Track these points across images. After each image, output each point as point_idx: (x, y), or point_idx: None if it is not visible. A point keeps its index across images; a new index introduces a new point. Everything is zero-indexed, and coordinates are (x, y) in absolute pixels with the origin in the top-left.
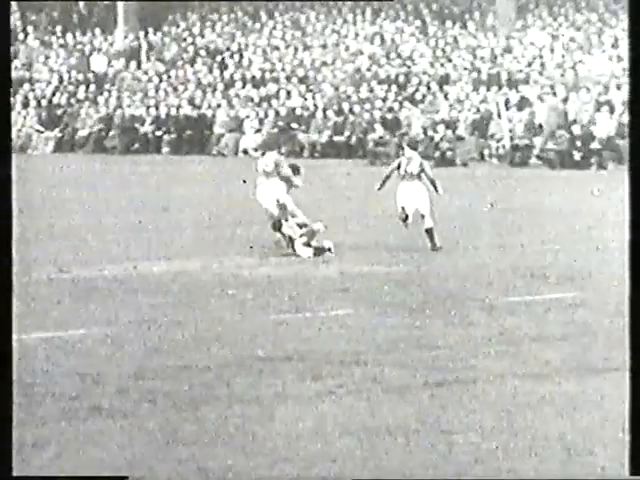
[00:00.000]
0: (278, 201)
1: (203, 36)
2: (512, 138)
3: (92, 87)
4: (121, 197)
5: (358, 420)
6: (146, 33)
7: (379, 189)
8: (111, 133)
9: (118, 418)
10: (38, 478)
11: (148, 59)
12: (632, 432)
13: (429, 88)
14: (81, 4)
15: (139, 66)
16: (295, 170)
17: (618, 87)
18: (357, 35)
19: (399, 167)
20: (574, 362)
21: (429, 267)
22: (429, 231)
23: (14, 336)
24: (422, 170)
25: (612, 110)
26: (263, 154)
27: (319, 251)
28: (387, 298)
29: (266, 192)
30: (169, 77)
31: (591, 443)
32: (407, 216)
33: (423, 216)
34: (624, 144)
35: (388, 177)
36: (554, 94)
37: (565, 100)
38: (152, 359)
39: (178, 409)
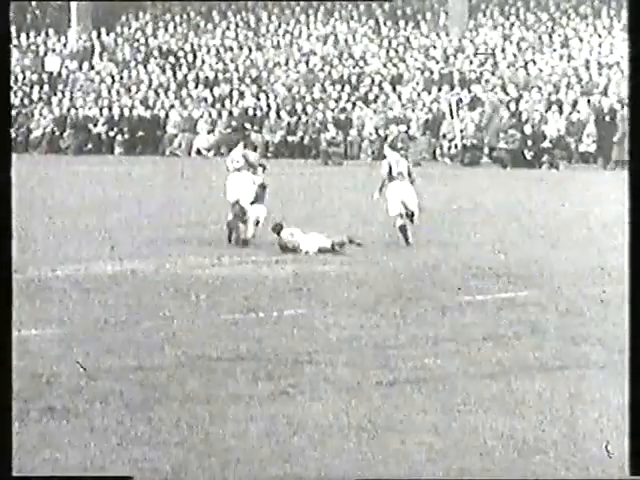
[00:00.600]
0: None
1: (156, 37)
2: (464, 137)
3: (46, 88)
4: (74, 197)
5: (311, 420)
6: (99, 34)
7: (380, 194)
8: (65, 133)
9: (71, 418)
10: (38, 478)
11: (101, 60)
12: (632, 432)
13: (382, 88)
14: (34, 4)
15: (92, 67)
16: (262, 167)
17: (568, 86)
18: (310, 36)
19: (390, 169)
20: (525, 361)
21: (382, 267)
22: (403, 228)
23: None
24: (408, 170)
25: (562, 109)
26: (229, 151)
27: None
28: (340, 298)
29: (237, 186)
30: (122, 78)
31: (542, 442)
32: (411, 213)
33: (413, 214)
34: (574, 143)
35: (385, 180)
36: (506, 93)
37: (516, 99)
38: (105, 359)
39: (131, 409)
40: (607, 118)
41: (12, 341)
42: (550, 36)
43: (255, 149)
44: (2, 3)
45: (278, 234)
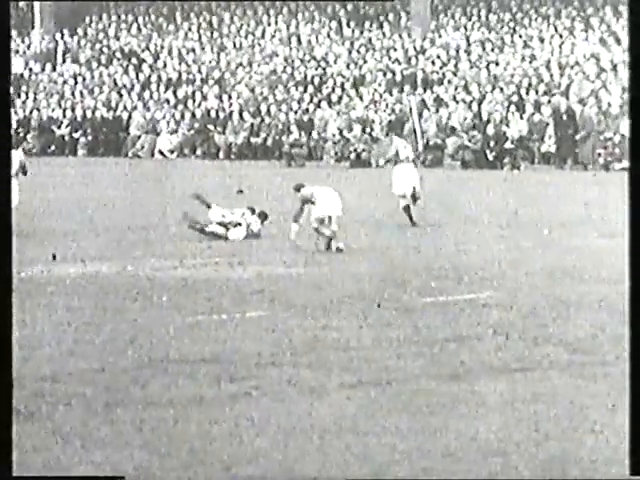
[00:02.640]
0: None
1: (119, 38)
2: (426, 138)
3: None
4: (37, 199)
5: (274, 422)
6: (62, 35)
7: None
8: (29, 135)
9: (34, 421)
10: (38, 478)
11: (64, 61)
12: (632, 431)
13: (344, 90)
14: None
15: (55, 68)
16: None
17: (530, 87)
18: (273, 37)
19: (397, 153)
20: (488, 362)
21: (344, 268)
22: (407, 209)
23: None
24: (412, 154)
25: (524, 110)
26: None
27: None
28: (303, 299)
29: None
30: (85, 79)
31: (504, 444)
32: (413, 195)
33: (417, 196)
34: (536, 144)
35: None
36: (468, 94)
37: (479, 100)
38: (68, 362)
39: (94, 412)
40: (565, 118)
41: (12, 342)
42: (512, 37)
43: (218, 151)
44: (2, 3)
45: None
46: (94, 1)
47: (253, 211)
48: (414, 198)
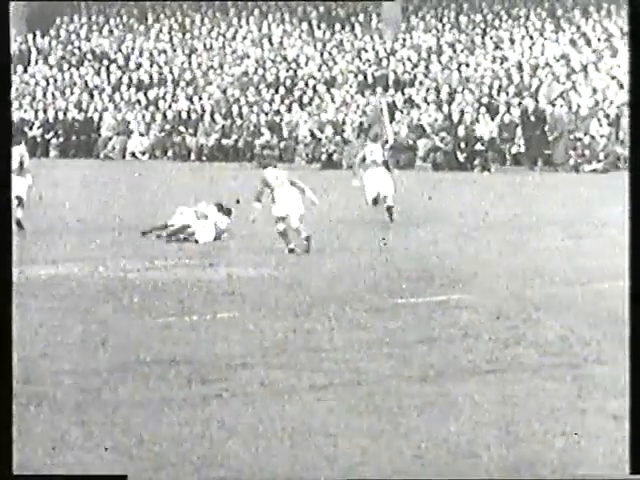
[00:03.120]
0: None
1: (90, 39)
2: (397, 140)
3: None
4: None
5: (245, 423)
6: (34, 37)
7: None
8: None
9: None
10: (38, 478)
11: (36, 63)
12: (632, 432)
13: (316, 91)
14: None
15: (26, 69)
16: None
17: (500, 88)
18: (244, 38)
19: (364, 159)
20: (458, 364)
21: (315, 270)
22: (390, 209)
23: None
24: (383, 156)
25: (495, 111)
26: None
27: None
28: (273, 301)
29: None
30: (56, 81)
31: (475, 445)
32: (376, 200)
33: (386, 197)
34: (507, 146)
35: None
36: (439, 96)
37: (449, 102)
38: (39, 363)
39: (65, 413)
40: (535, 119)
41: (12, 342)
42: (483, 38)
43: (189, 153)
44: (2, 3)
45: None
46: (66, 1)
47: (220, 207)
48: (384, 199)
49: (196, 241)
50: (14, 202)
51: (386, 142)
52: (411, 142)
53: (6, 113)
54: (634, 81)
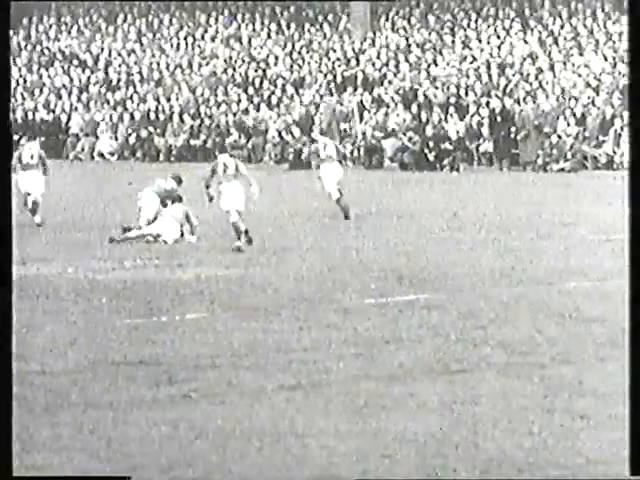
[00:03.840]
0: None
1: (59, 40)
2: (366, 141)
3: None
4: None
5: (213, 424)
6: None
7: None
8: None
9: None
10: (38, 478)
11: None
12: (632, 432)
13: (284, 91)
14: None
15: None
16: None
17: (468, 88)
18: (213, 38)
19: (318, 153)
20: (427, 364)
21: (284, 270)
22: (340, 201)
23: None
24: (337, 152)
25: (464, 111)
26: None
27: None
28: (242, 301)
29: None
30: (25, 81)
31: (443, 445)
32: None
33: (340, 191)
34: (474, 144)
35: (311, 161)
36: (407, 95)
37: (418, 101)
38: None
39: (34, 414)
40: (502, 118)
41: (12, 342)
42: (451, 37)
43: (158, 153)
44: (2, 3)
45: None
46: (36, 1)
47: (179, 180)
48: (340, 193)
49: (165, 242)
50: (29, 198)
51: (355, 142)
52: (379, 142)
53: (6, 115)
54: (634, 82)
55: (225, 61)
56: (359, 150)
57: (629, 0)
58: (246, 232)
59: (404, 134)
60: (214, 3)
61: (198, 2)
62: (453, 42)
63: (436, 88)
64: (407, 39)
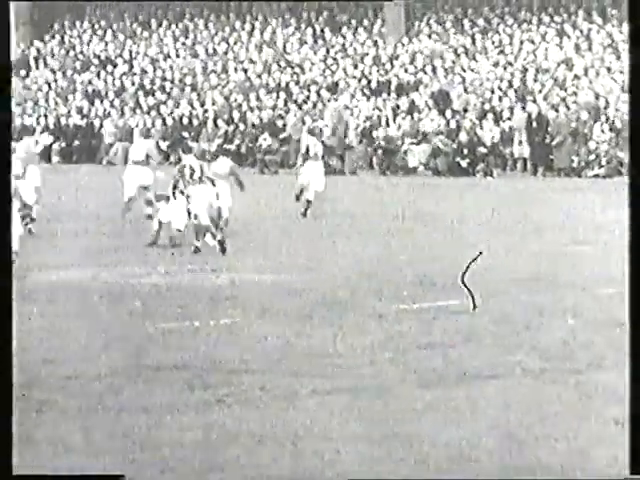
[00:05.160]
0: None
1: (93, 44)
2: (398, 146)
3: None
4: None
5: (246, 429)
6: (37, 41)
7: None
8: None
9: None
10: (38, 478)
11: (37, 68)
12: (632, 432)
13: (319, 96)
14: None
15: (28, 74)
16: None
17: (503, 93)
18: (248, 43)
19: (307, 150)
20: (460, 369)
21: (317, 275)
22: (309, 203)
23: None
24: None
25: (498, 116)
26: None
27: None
28: (276, 306)
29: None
30: (59, 86)
31: (477, 450)
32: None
33: (315, 191)
34: (509, 150)
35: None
36: (441, 100)
37: (452, 107)
38: (41, 368)
39: (67, 419)
40: (538, 124)
41: (12, 343)
42: (486, 43)
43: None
44: (2, 3)
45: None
46: (68, 1)
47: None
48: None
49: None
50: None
51: (388, 147)
52: (412, 147)
53: (6, 116)
54: (634, 82)
55: (260, 66)
56: (391, 155)
57: (629, 1)
58: (221, 242)
59: (438, 139)
60: (249, 8)
61: (232, 6)
62: (486, 47)
63: (468, 93)
64: (442, 44)
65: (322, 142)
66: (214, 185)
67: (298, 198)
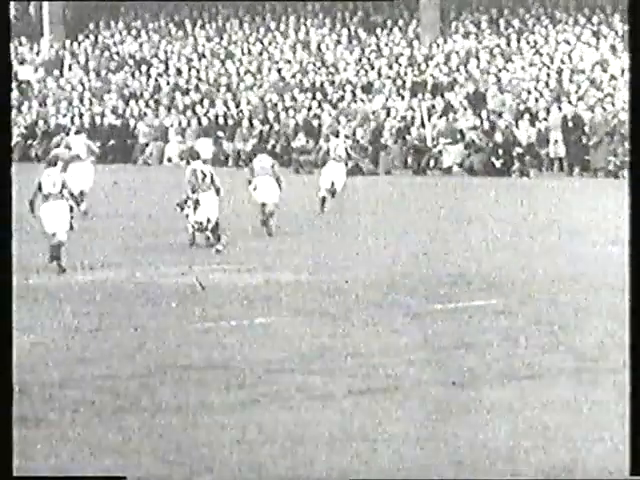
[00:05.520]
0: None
1: (127, 44)
2: (435, 146)
3: (17, 96)
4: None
5: (282, 428)
6: (71, 42)
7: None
8: (36, 141)
9: (43, 427)
10: (38, 478)
11: (70, 69)
12: (632, 432)
13: (354, 96)
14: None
15: (62, 74)
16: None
17: (539, 93)
18: (283, 43)
19: (328, 151)
20: (496, 369)
21: (352, 274)
22: (324, 200)
23: None
24: (347, 154)
25: (533, 116)
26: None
27: None
28: (311, 306)
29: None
30: (93, 86)
31: (513, 450)
32: (334, 190)
33: (335, 191)
34: (545, 151)
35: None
36: (477, 100)
37: (487, 107)
38: (76, 368)
39: (102, 418)
40: (574, 124)
41: (13, 345)
42: (521, 43)
43: (227, 158)
44: (2, 3)
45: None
46: (102, 1)
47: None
48: (332, 192)
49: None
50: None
51: (425, 146)
52: (448, 147)
53: (6, 116)
54: (634, 84)
55: (295, 66)
56: (426, 155)
57: (630, 1)
58: (218, 237)
59: (474, 139)
60: (283, 9)
61: (267, 7)
62: (522, 47)
63: (503, 93)
64: (477, 44)
65: (357, 142)
66: (218, 194)
67: (324, 200)
